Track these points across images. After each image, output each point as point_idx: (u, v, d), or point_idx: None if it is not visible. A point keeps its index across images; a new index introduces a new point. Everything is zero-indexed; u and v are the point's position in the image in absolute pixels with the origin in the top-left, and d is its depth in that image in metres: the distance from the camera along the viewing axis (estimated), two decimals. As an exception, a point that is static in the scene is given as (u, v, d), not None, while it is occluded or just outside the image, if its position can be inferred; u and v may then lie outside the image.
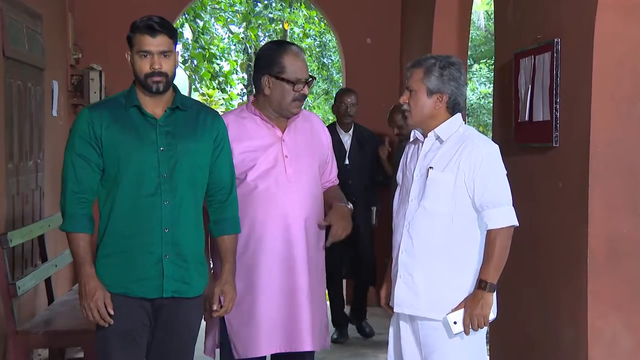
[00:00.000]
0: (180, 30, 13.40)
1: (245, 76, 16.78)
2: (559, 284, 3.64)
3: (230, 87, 15.68)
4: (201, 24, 14.06)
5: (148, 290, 2.91)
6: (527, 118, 3.89)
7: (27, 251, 5.09)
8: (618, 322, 3.39)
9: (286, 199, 3.22)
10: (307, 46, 15.89)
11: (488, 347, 4.67)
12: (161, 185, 2.89)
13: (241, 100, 16.45)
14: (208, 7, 13.88)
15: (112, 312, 2.86)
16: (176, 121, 2.96)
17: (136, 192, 2.88)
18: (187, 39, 14.50)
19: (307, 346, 3.24)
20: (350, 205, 3.44)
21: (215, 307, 3.07)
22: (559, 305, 3.64)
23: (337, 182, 3.57)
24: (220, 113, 3.34)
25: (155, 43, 2.86)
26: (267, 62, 3.26)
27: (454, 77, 3.02)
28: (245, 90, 17.28)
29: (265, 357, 3.35)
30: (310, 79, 3.32)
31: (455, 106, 3.05)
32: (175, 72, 2.95)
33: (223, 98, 16.19)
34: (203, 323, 3.30)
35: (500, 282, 4.26)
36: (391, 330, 3.19)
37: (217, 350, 3.41)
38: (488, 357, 3.19)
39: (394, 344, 3.17)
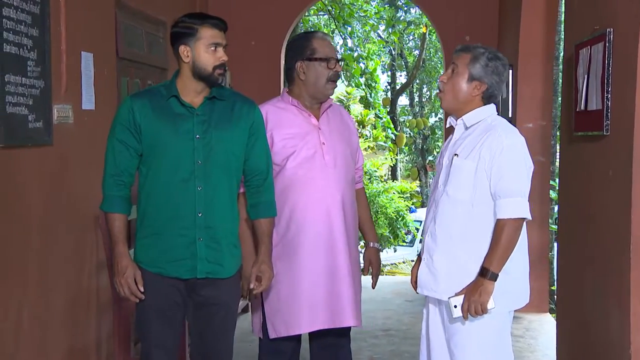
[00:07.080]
0: (332, 34, 13.51)
1: (390, 73, 16.74)
2: (608, 269, 3.32)
3: (375, 83, 15.67)
4: (349, 29, 14.15)
5: (182, 271, 2.78)
6: (583, 107, 3.55)
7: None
8: (661, 311, 3.02)
9: (325, 185, 3.08)
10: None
11: (555, 319, 4.33)
12: (195, 171, 2.74)
13: (385, 96, 16.38)
14: (356, 14, 13.91)
15: (142, 289, 2.75)
16: (213, 110, 2.81)
17: (171, 177, 2.75)
18: (337, 43, 14.63)
19: (349, 321, 3.08)
20: (379, 245, 3.42)
21: (252, 286, 2.88)
22: (608, 289, 3.32)
23: (361, 174, 3.39)
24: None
25: (223, 37, 2.76)
26: (298, 49, 3.13)
27: (498, 72, 2.79)
28: (389, 87, 17.24)
29: (299, 339, 3.24)
30: (341, 60, 3.19)
31: (490, 97, 2.82)
32: None
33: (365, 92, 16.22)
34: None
35: (566, 261, 3.96)
36: (424, 311, 2.98)
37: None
38: (512, 351, 2.87)
39: (425, 325, 2.96)
